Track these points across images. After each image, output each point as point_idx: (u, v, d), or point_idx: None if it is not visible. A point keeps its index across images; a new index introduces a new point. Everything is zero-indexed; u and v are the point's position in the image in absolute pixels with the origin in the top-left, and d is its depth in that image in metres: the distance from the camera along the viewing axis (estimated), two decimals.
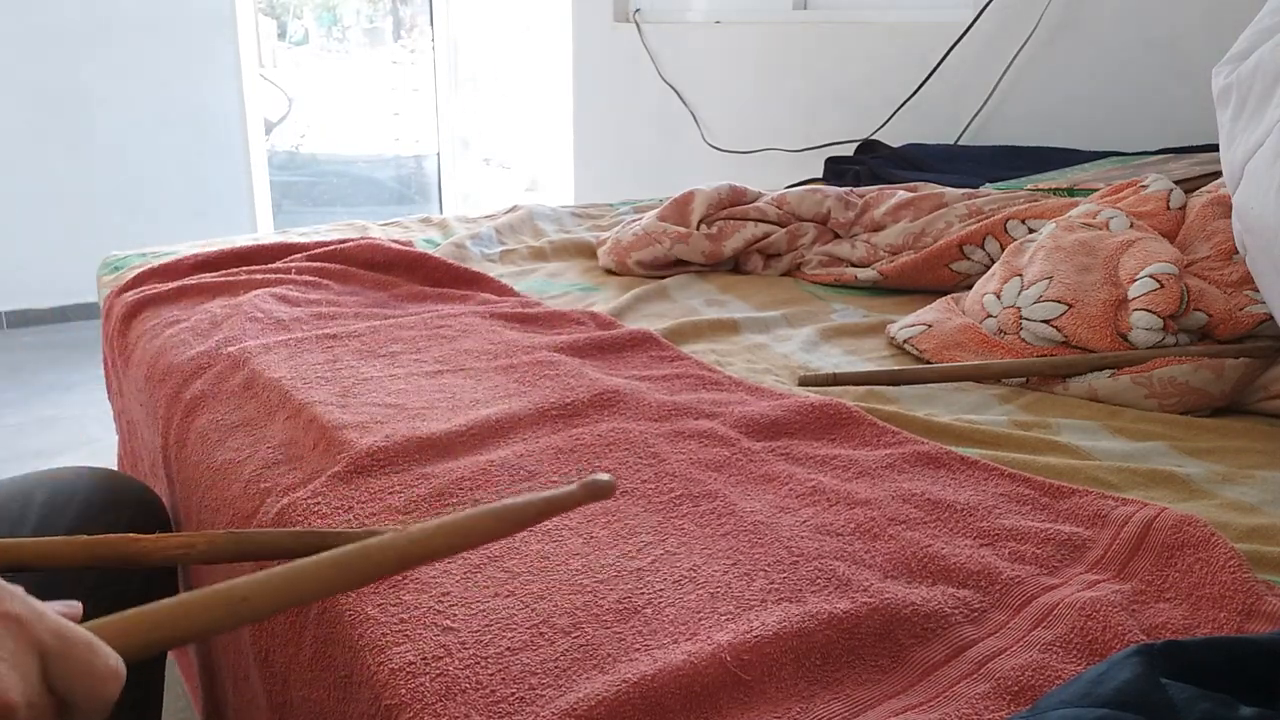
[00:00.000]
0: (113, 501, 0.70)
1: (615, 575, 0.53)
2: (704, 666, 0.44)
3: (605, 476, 0.43)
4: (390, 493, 0.62)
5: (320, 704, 0.51)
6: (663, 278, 1.22)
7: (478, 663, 0.46)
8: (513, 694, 0.44)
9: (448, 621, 0.49)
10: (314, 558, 0.38)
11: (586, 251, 1.36)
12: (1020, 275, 0.94)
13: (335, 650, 0.51)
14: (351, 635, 0.49)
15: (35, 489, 0.68)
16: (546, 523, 0.58)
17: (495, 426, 0.70)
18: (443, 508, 0.60)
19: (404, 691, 0.45)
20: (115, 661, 0.33)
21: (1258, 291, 0.83)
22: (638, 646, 0.47)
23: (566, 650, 0.47)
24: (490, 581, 0.52)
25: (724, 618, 0.49)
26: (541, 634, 0.48)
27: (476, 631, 0.48)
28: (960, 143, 1.86)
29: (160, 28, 3.36)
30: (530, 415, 0.72)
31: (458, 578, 0.53)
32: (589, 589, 0.52)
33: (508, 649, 0.47)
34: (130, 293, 1.08)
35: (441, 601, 0.50)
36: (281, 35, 5.29)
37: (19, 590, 0.33)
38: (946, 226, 1.18)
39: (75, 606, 0.39)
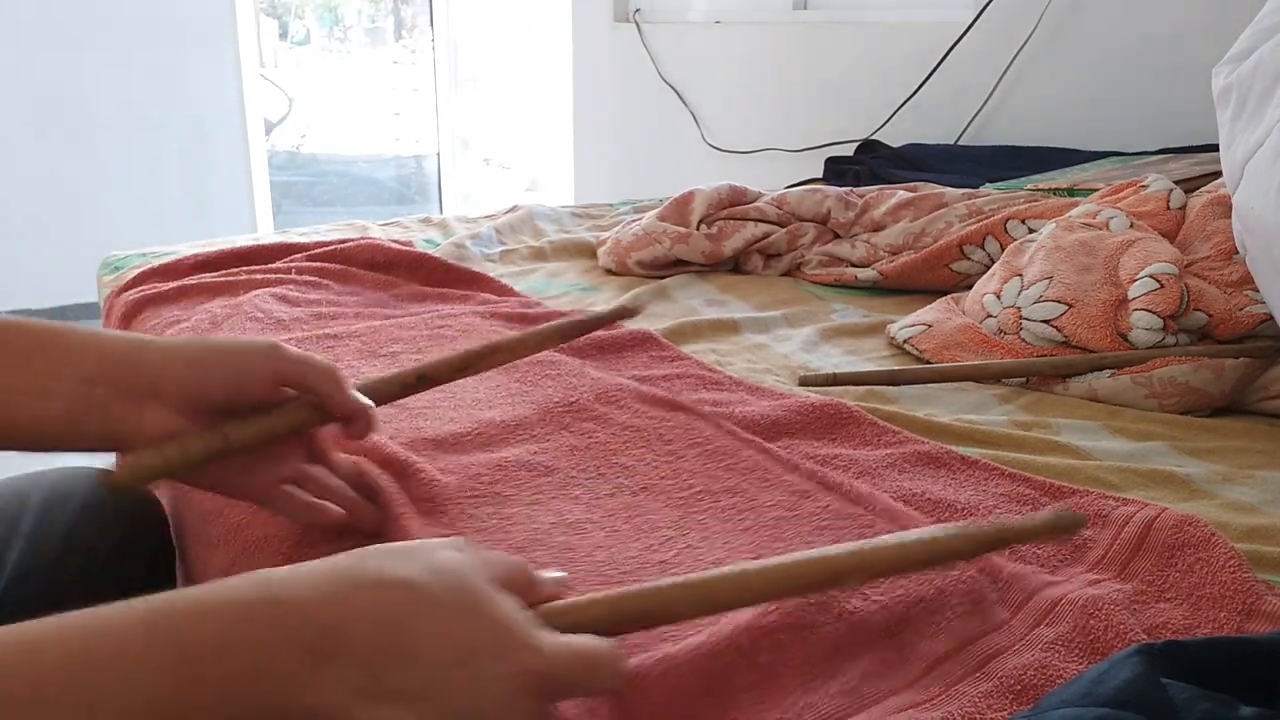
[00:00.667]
0: (111, 502, 0.69)
1: (640, 566, 0.53)
2: (721, 649, 0.44)
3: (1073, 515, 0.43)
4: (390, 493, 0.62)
5: None
6: (663, 278, 1.22)
7: None
8: None
9: None
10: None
11: (586, 251, 1.36)
12: (1020, 275, 0.94)
13: None
14: None
15: (32, 490, 0.67)
16: (569, 515, 0.58)
17: (497, 426, 0.70)
18: (444, 507, 0.60)
19: None
20: (611, 654, 0.36)
21: (1258, 291, 0.83)
22: (661, 635, 0.47)
23: None
24: None
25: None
26: None
27: None
28: (960, 143, 1.86)
29: (160, 28, 3.36)
30: (532, 415, 0.72)
31: None
32: (615, 580, 0.52)
33: None
34: (130, 293, 1.08)
35: None
36: (283, 35, 5.30)
37: (528, 621, 0.35)
38: (946, 226, 1.18)
39: (564, 577, 0.42)
